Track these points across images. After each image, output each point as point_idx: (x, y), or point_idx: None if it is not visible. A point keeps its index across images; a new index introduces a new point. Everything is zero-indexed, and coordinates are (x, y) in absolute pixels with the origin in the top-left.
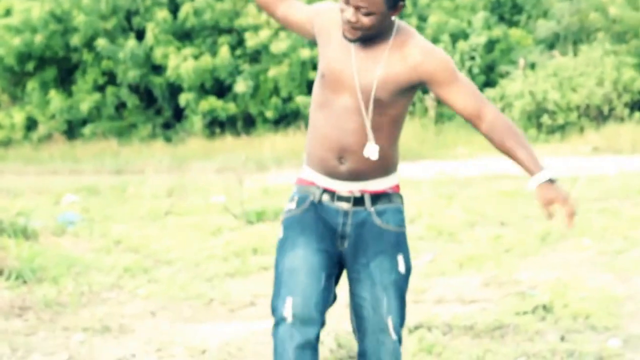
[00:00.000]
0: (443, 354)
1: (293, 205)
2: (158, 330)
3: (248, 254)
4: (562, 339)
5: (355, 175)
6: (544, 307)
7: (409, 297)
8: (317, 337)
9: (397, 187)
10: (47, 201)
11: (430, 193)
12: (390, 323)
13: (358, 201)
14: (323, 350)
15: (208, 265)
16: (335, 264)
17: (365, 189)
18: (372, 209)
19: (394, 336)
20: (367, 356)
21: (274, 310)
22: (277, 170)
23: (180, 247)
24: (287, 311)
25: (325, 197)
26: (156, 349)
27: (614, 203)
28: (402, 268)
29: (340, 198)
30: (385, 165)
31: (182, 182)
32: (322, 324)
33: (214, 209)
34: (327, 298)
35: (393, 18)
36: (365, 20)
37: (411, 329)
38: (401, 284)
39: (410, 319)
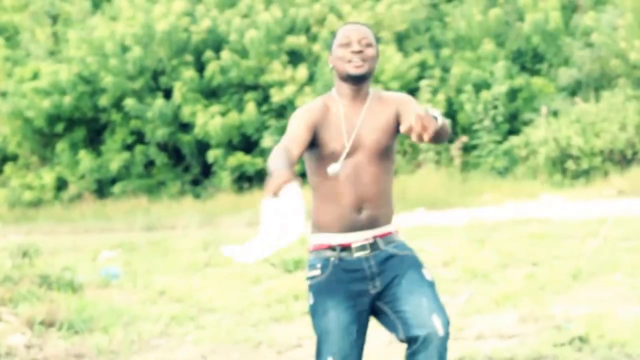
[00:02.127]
0: None
1: (317, 272)
2: None
3: (290, 300)
4: None
5: (371, 222)
6: (580, 339)
7: None
8: None
9: (397, 230)
10: (85, 257)
11: (462, 238)
12: (436, 320)
13: (373, 246)
14: None
15: (252, 311)
16: (365, 316)
17: (378, 234)
18: (386, 247)
19: (441, 331)
20: (416, 352)
21: None
22: (307, 222)
23: (222, 296)
24: None
25: (344, 253)
26: None
27: None
28: (429, 277)
29: (358, 248)
30: (390, 212)
31: (216, 235)
32: None
33: None
34: (361, 347)
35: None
36: (369, 51)
37: None
38: (434, 290)
39: (452, 354)
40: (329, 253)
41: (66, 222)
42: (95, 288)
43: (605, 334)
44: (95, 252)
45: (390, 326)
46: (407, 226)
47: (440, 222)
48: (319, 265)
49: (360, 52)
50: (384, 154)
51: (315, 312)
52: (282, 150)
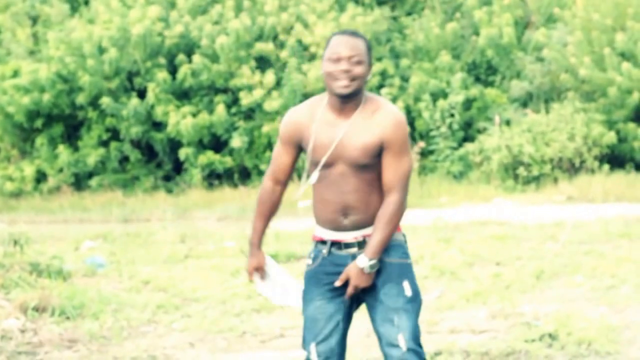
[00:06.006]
0: None
1: (310, 261)
2: (200, 358)
3: None
4: None
5: (358, 226)
6: (550, 335)
7: (423, 328)
8: None
9: (398, 227)
10: (68, 247)
11: (427, 237)
12: (401, 338)
13: (362, 245)
14: None
15: (234, 302)
16: (349, 306)
17: (367, 234)
18: None
19: (404, 347)
20: None
21: (305, 350)
22: (274, 218)
23: (204, 286)
24: (313, 355)
25: (334, 248)
26: None
27: (598, 246)
28: (408, 292)
29: (347, 245)
30: None
31: (193, 229)
32: (344, 352)
33: (228, 253)
34: (345, 336)
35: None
36: (358, 70)
37: (432, 356)
38: (410, 306)
39: (429, 347)
40: (321, 246)
41: (46, 212)
42: (82, 276)
43: (573, 332)
44: (77, 242)
45: None
46: None
47: (407, 221)
48: (312, 256)
49: (348, 71)
50: (365, 167)
51: (304, 299)
52: (265, 195)
